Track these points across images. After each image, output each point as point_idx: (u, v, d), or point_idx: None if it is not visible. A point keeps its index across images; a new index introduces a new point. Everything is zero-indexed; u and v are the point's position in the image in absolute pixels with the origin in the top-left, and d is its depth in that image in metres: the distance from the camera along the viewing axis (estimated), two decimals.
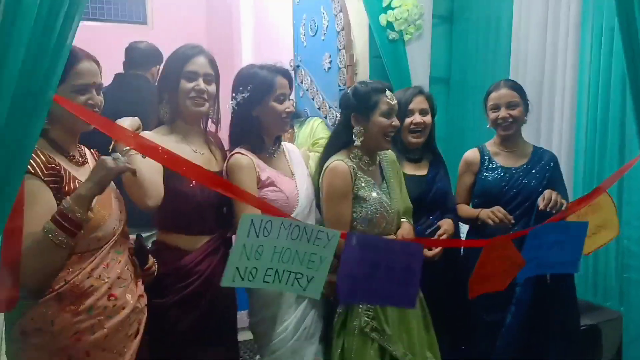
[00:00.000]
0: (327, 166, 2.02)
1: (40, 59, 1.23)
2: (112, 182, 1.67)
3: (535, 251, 1.98)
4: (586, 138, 2.89)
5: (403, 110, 2.31)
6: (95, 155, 1.74)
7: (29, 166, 1.39)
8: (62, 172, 1.51)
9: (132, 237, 1.79)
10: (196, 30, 5.83)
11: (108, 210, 1.61)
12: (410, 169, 2.39)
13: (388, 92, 2.04)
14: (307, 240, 1.59)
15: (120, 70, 3.20)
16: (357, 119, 2.05)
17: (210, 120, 2.03)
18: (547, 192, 2.25)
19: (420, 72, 3.38)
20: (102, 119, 1.51)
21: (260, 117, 1.95)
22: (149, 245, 1.93)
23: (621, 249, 2.61)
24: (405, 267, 1.71)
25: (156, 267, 1.82)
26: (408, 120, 2.36)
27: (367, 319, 1.93)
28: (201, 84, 1.89)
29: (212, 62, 1.94)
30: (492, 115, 2.45)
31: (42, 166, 1.45)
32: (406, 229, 2.09)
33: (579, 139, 2.93)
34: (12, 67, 1.19)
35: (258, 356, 2.04)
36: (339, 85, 3.65)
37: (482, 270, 1.90)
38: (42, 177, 1.45)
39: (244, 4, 5.25)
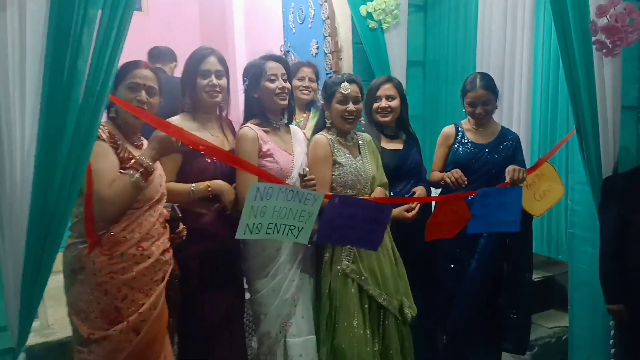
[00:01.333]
0: (311, 140, 2.49)
1: (99, 72, 1.66)
2: (159, 163, 2.15)
3: (484, 209, 2.45)
4: (540, 115, 3.33)
5: (372, 96, 2.77)
6: None
7: (99, 134, 1.90)
8: (120, 142, 2.00)
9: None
10: (190, 16, 6.11)
11: (150, 181, 2.04)
12: (388, 144, 2.80)
13: (343, 84, 2.44)
14: (299, 200, 2.11)
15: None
16: (326, 105, 2.51)
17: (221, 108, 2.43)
18: (510, 169, 2.60)
19: (397, 56, 3.78)
20: (137, 109, 1.98)
21: (260, 97, 2.38)
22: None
23: (568, 210, 3.06)
24: (374, 219, 2.24)
25: (185, 232, 2.25)
26: (375, 104, 2.77)
27: (347, 262, 2.37)
28: (213, 79, 2.30)
29: (222, 60, 2.35)
30: (469, 109, 2.84)
31: (107, 135, 1.95)
32: (377, 192, 2.50)
33: (534, 115, 3.37)
34: (80, 77, 1.63)
35: (248, 295, 2.48)
36: (326, 70, 4.03)
37: (435, 219, 2.42)
38: (108, 142, 1.94)
39: None
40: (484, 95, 2.79)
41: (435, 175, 2.93)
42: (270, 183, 2.07)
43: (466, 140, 2.89)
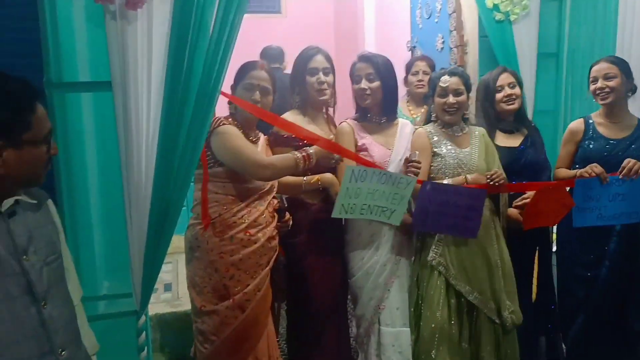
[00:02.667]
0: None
1: (211, 70, 1.86)
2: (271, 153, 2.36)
3: (592, 202, 2.36)
4: None
5: (492, 88, 2.68)
6: (266, 140, 2.43)
7: (229, 122, 2.18)
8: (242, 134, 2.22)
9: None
10: (325, 17, 6.34)
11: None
12: (503, 141, 2.70)
13: (443, 77, 2.46)
14: (392, 184, 2.22)
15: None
16: (432, 99, 2.55)
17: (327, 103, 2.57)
18: (625, 161, 2.45)
19: (526, 49, 3.58)
20: (251, 105, 2.17)
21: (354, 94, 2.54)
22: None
23: None
24: (469, 205, 2.26)
25: (291, 222, 2.42)
26: (499, 95, 2.68)
27: (434, 254, 2.40)
28: (321, 76, 2.45)
29: (328, 58, 2.50)
30: (592, 86, 2.67)
31: (236, 125, 2.19)
32: (476, 176, 2.43)
33: None
34: (196, 75, 1.84)
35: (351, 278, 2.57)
36: (451, 65, 3.96)
37: (534, 208, 2.39)
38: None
39: None
40: (607, 67, 2.61)
41: (563, 172, 2.75)
42: (365, 166, 2.21)
43: (598, 135, 2.68)
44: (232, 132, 2.15)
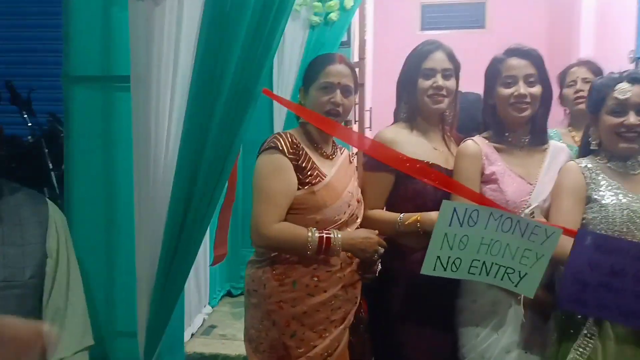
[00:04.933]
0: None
1: (250, 61, 1.44)
2: (356, 181, 1.83)
3: None
4: None
5: None
6: (349, 157, 1.89)
7: (277, 143, 1.66)
8: (302, 153, 1.70)
9: None
10: (535, 30, 5.55)
11: (333, 199, 1.71)
12: None
13: (620, 85, 1.62)
14: (521, 234, 1.53)
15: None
16: (591, 118, 1.73)
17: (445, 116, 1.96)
18: None
19: None
20: (311, 113, 1.69)
21: (495, 104, 1.83)
22: None
23: None
24: None
25: (378, 267, 1.84)
26: None
27: (577, 355, 1.60)
28: (439, 80, 1.84)
29: (451, 56, 1.88)
30: None
31: (288, 146, 1.67)
32: None
33: None
34: (229, 65, 1.44)
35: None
36: None
37: None
38: (287, 155, 1.66)
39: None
40: None
41: None
42: (476, 205, 1.54)
43: None
44: (270, 167, 1.65)
